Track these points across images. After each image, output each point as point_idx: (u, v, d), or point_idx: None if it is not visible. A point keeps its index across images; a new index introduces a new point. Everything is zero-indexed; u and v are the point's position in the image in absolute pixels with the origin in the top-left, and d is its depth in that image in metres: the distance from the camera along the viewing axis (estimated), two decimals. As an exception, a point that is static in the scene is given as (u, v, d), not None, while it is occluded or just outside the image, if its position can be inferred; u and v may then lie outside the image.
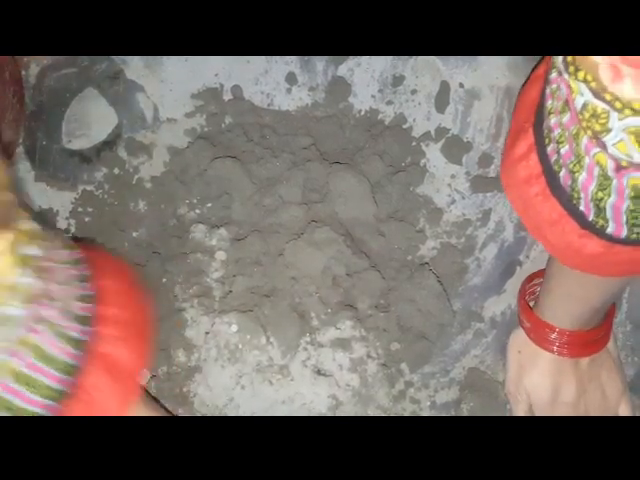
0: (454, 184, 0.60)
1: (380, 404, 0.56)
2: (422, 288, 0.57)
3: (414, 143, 0.61)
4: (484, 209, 0.59)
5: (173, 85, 0.61)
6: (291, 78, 0.61)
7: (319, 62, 0.61)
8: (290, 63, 0.61)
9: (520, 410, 0.56)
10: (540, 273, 0.55)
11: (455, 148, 0.60)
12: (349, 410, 0.55)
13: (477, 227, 0.59)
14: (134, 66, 0.61)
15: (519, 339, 0.55)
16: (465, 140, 0.60)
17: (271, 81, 0.61)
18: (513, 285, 0.58)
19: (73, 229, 0.60)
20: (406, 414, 0.56)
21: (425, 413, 0.57)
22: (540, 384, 0.54)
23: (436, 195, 0.60)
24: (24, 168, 0.61)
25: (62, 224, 0.60)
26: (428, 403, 0.57)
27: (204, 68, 0.61)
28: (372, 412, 0.55)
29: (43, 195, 0.60)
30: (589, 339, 0.53)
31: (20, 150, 0.61)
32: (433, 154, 0.60)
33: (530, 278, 0.56)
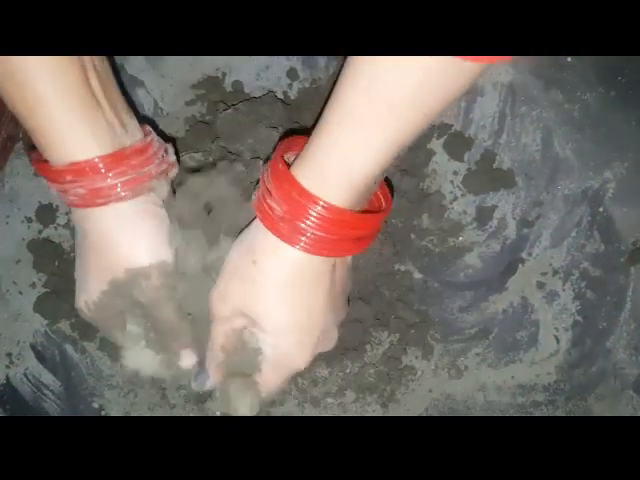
0: (456, 181, 0.59)
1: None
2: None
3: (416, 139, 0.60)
4: (486, 206, 0.59)
5: (174, 80, 0.61)
6: (292, 74, 0.61)
7: (321, 58, 0.61)
8: (291, 59, 0.61)
9: (219, 332, 0.46)
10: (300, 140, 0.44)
11: (457, 144, 0.59)
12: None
13: (479, 224, 0.59)
14: (134, 61, 0.61)
15: (254, 240, 0.43)
16: (467, 136, 0.59)
17: (272, 77, 0.61)
18: (515, 283, 0.58)
19: (72, 224, 0.59)
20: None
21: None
22: (283, 307, 0.43)
23: (438, 192, 0.59)
24: (23, 163, 0.60)
25: (62, 219, 0.60)
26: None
27: (205, 63, 0.60)
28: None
29: (43, 190, 0.60)
30: (358, 224, 0.41)
31: (20, 145, 0.61)
32: (435, 150, 0.60)
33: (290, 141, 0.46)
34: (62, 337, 0.58)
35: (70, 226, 0.59)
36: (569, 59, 0.57)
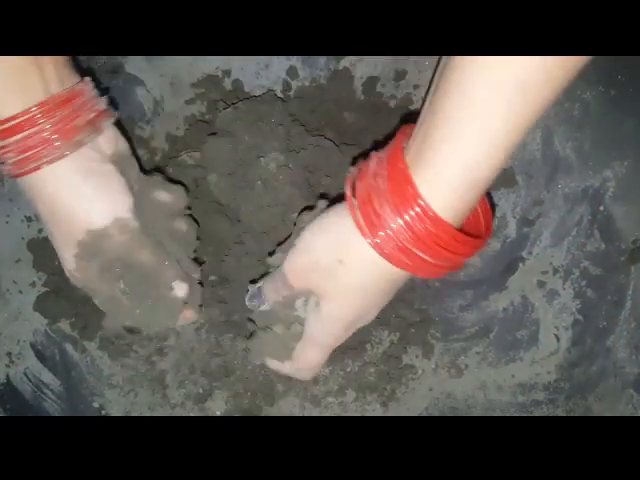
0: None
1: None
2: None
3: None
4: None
5: (173, 79, 0.61)
6: (292, 72, 0.61)
7: (320, 57, 0.61)
8: (291, 57, 0.61)
9: (283, 289, 0.46)
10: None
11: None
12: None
13: (479, 223, 0.59)
14: (134, 60, 0.60)
15: (345, 237, 0.40)
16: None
17: (272, 75, 0.61)
18: (515, 282, 0.58)
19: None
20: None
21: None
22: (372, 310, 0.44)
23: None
24: None
25: (61, 219, 0.60)
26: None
27: (204, 62, 0.60)
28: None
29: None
30: (456, 242, 0.37)
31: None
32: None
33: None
34: (62, 336, 0.58)
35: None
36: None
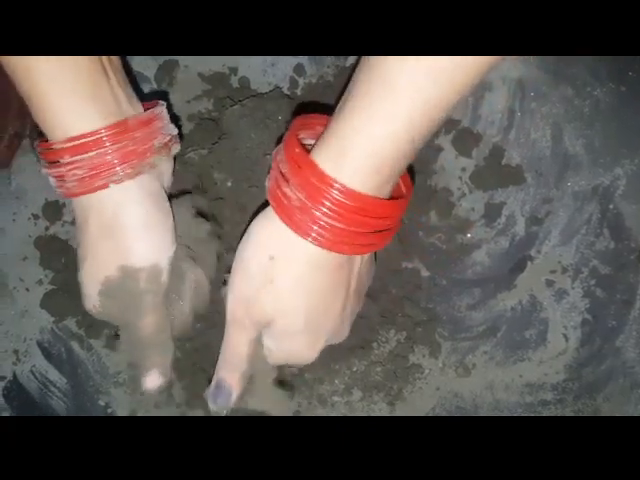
0: (464, 177, 0.59)
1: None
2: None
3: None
4: (495, 203, 0.58)
5: (180, 76, 0.61)
6: (299, 69, 0.60)
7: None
8: (298, 55, 0.60)
9: (243, 341, 0.41)
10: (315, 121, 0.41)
11: (466, 140, 0.59)
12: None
13: (487, 221, 0.58)
14: (140, 58, 0.60)
15: (269, 233, 0.39)
16: (476, 132, 0.59)
17: (279, 73, 0.61)
18: (523, 281, 0.57)
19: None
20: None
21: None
22: (304, 303, 0.39)
23: (446, 188, 0.59)
24: (30, 160, 0.60)
25: (68, 216, 0.59)
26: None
27: (211, 59, 0.60)
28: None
29: (49, 187, 0.59)
30: (379, 212, 0.37)
31: (26, 142, 0.61)
32: (443, 146, 0.59)
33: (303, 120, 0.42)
34: (69, 334, 0.58)
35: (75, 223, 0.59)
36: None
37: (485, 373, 0.57)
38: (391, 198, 0.39)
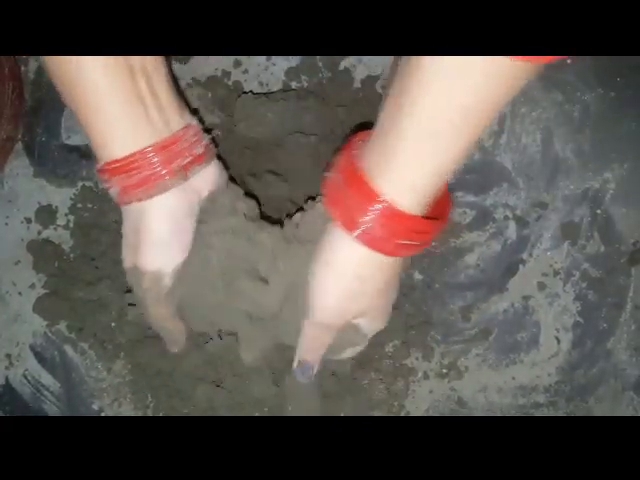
0: (457, 181, 0.59)
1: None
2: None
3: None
4: (486, 207, 0.59)
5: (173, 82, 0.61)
6: (291, 74, 0.61)
7: (320, 58, 0.61)
8: (291, 59, 0.61)
9: (327, 337, 0.48)
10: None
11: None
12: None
13: (479, 225, 0.59)
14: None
15: (349, 257, 0.43)
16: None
17: (271, 77, 0.61)
18: (515, 284, 0.58)
19: (72, 225, 0.59)
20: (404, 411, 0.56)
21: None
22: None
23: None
24: (23, 164, 0.60)
25: (61, 220, 0.59)
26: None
27: (204, 62, 0.60)
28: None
29: (42, 191, 0.60)
30: (421, 228, 0.42)
31: (19, 146, 0.61)
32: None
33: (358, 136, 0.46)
34: (62, 338, 0.57)
35: (70, 227, 0.59)
36: (569, 60, 0.57)
37: (478, 376, 0.58)
38: (430, 217, 0.43)
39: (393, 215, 0.40)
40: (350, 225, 0.41)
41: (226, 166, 0.60)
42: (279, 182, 0.57)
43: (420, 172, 0.39)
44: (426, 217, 0.42)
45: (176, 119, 0.46)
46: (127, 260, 0.47)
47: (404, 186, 0.40)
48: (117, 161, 0.43)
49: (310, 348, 0.49)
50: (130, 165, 0.43)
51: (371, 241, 0.41)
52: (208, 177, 0.48)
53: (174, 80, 0.49)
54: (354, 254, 0.43)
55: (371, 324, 0.48)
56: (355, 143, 0.44)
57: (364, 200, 0.40)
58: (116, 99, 0.42)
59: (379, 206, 0.40)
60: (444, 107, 0.37)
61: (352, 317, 0.46)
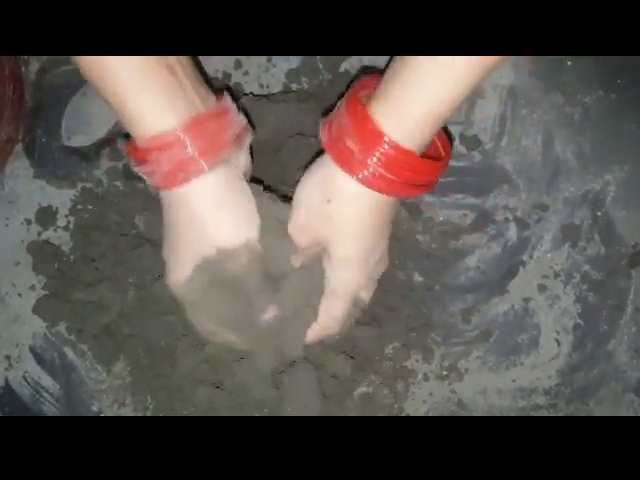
0: (457, 183, 0.59)
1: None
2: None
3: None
4: (487, 209, 0.59)
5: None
6: (292, 75, 0.61)
7: (320, 59, 0.61)
8: (291, 60, 0.61)
9: (300, 259, 0.49)
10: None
11: (458, 146, 0.59)
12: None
13: (480, 227, 0.59)
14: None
15: (325, 177, 0.45)
16: (468, 138, 0.59)
17: (272, 79, 0.61)
18: (516, 286, 0.58)
19: (72, 226, 0.59)
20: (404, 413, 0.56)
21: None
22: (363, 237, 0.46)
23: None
24: (23, 165, 0.60)
25: (62, 221, 0.59)
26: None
27: (204, 64, 0.60)
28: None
29: (42, 192, 0.60)
30: (420, 169, 0.43)
31: (19, 147, 0.60)
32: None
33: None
34: (61, 340, 0.57)
35: (70, 229, 0.59)
36: (569, 62, 0.57)
37: (478, 378, 0.58)
38: (429, 156, 0.45)
39: (398, 155, 0.42)
40: (353, 167, 0.43)
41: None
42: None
43: (424, 110, 0.41)
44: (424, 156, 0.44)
45: (211, 97, 0.46)
46: (206, 248, 0.46)
47: (408, 126, 0.41)
48: (158, 137, 0.42)
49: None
50: (186, 135, 0.42)
51: (373, 180, 0.43)
52: (246, 154, 0.49)
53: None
54: (350, 189, 0.44)
55: (335, 257, 0.47)
56: (358, 90, 0.45)
57: (370, 140, 0.42)
58: (152, 77, 0.42)
59: (385, 147, 0.41)
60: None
61: (319, 241, 0.47)
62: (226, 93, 0.48)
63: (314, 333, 0.50)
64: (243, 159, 0.48)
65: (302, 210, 0.47)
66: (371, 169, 0.42)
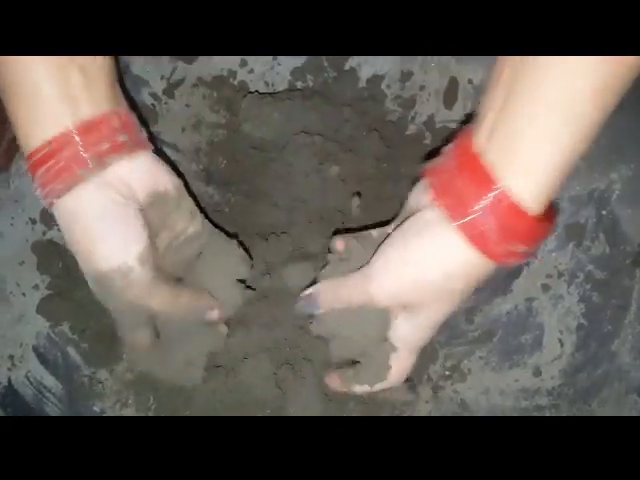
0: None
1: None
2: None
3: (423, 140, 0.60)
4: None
5: (179, 81, 0.61)
6: (297, 73, 0.61)
7: (326, 58, 0.61)
8: (296, 59, 0.61)
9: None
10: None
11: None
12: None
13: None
14: (139, 61, 0.60)
15: (437, 247, 0.40)
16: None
17: (277, 77, 0.61)
18: (519, 286, 0.58)
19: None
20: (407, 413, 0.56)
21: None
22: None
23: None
24: (27, 166, 0.60)
25: (65, 221, 0.60)
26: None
27: (209, 62, 0.60)
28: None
29: (46, 192, 0.60)
30: (535, 228, 0.38)
31: (23, 147, 0.61)
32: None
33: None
34: (65, 339, 0.58)
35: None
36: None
37: (481, 378, 0.57)
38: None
39: (508, 208, 0.36)
40: (456, 212, 0.38)
41: (229, 167, 0.60)
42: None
43: (545, 159, 0.36)
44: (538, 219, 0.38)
45: (101, 95, 0.42)
46: (88, 266, 0.42)
47: (527, 174, 0.36)
48: (37, 151, 0.40)
49: (330, 290, 0.47)
50: (48, 155, 0.40)
51: (474, 234, 0.37)
52: (145, 171, 0.44)
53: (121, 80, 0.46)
54: (447, 243, 0.39)
55: (425, 321, 0.45)
56: (469, 132, 0.40)
57: (478, 185, 0.37)
58: (42, 79, 0.39)
59: (494, 193, 0.36)
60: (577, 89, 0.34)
61: (404, 304, 0.44)
62: (123, 104, 0.45)
63: (383, 386, 0.49)
64: (137, 177, 0.43)
65: (406, 278, 0.42)
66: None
